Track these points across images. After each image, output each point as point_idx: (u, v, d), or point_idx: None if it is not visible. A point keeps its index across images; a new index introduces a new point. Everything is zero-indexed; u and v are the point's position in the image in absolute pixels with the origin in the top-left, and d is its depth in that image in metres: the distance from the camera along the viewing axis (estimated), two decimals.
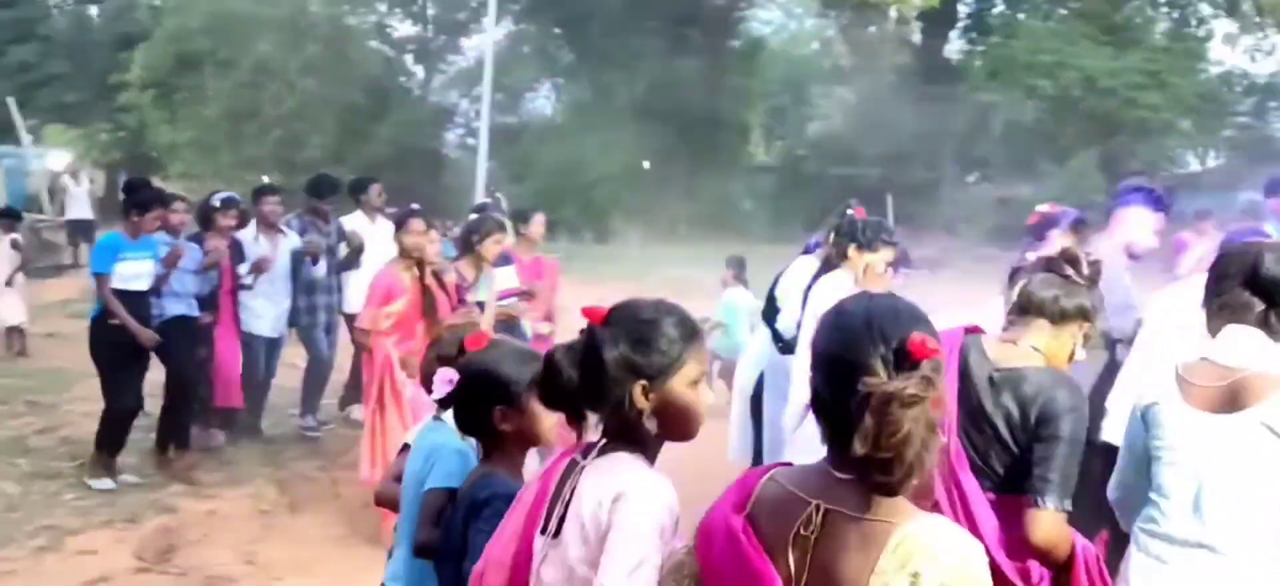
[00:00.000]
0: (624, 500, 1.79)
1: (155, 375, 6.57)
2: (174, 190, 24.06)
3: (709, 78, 26.85)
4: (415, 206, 6.28)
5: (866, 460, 1.48)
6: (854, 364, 1.53)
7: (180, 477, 6.40)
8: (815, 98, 32.83)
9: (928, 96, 24.73)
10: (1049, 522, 2.39)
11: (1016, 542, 2.44)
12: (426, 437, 2.74)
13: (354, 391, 7.64)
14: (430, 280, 5.79)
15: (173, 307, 6.51)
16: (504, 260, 6.75)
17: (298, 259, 7.42)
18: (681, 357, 1.86)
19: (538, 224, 7.27)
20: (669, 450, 1.94)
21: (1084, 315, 2.63)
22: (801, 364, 4.36)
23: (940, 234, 22.34)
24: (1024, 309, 2.65)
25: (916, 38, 29.24)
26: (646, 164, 25.78)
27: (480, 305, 6.24)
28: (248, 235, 7.29)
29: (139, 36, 26.68)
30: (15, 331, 10.30)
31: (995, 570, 2.14)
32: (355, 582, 4.96)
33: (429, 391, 2.60)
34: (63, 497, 6.06)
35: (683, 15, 26.96)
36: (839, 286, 4.36)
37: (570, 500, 1.88)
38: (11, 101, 18.22)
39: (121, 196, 6.80)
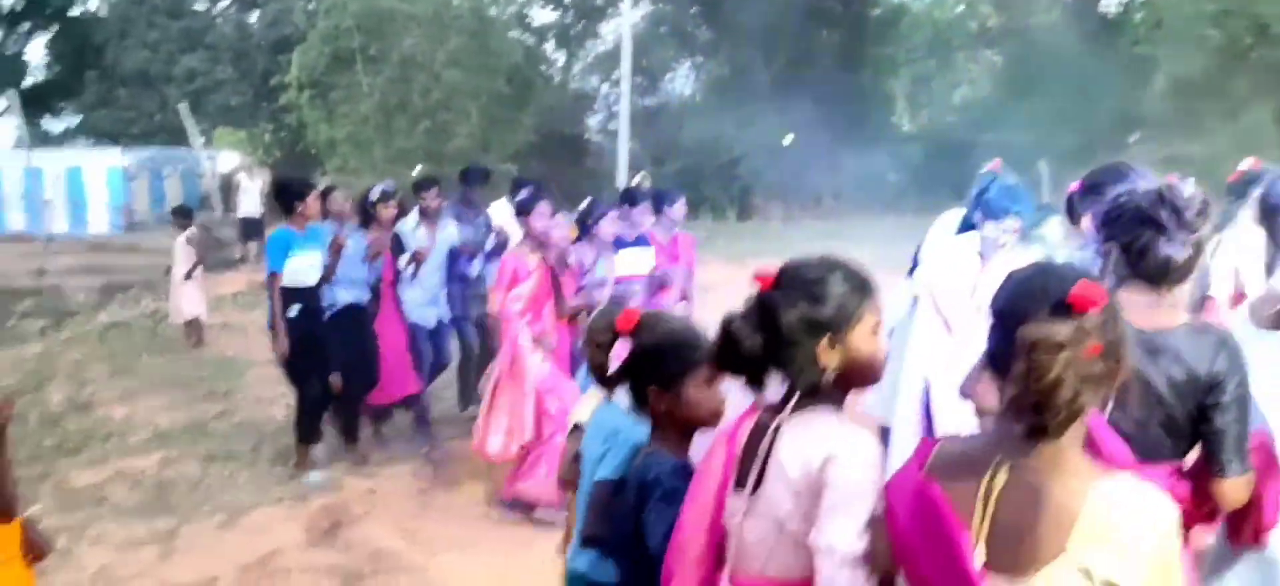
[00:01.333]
0: (836, 460, 1.84)
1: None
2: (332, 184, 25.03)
3: (849, 48, 26.34)
4: (535, 188, 6.43)
5: (1020, 403, 1.53)
6: (1020, 316, 1.58)
7: (353, 462, 6.65)
8: (961, 63, 31.77)
9: (1083, 54, 23.61)
10: (1241, 487, 2.36)
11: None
12: (604, 420, 2.74)
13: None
14: (555, 262, 5.96)
15: (344, 296, 6.65)
16: (641, 242, 6.79)
17: (454, 252, 7.54)
18: (859, 309, 1.90)
19: (679, 207, 7.27)
20: None
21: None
22: (924, 328, 4.26)
23: None
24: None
25: None
26: (788, 139, 25.50)
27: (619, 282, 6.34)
28: (407, 226, 7.37)
29: (295, 39, 27.91)
30: (194, 323, 10.97)
31: None
32: (507, 557, 5.14)
33: (606, 386, 2.63)
34: (239, 478, 6.44)
35: None
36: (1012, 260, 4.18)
37: (768, 457, 1.93)
38: (184, 107, 19.36)
39: (275, 196, 7.03)
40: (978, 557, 1.56)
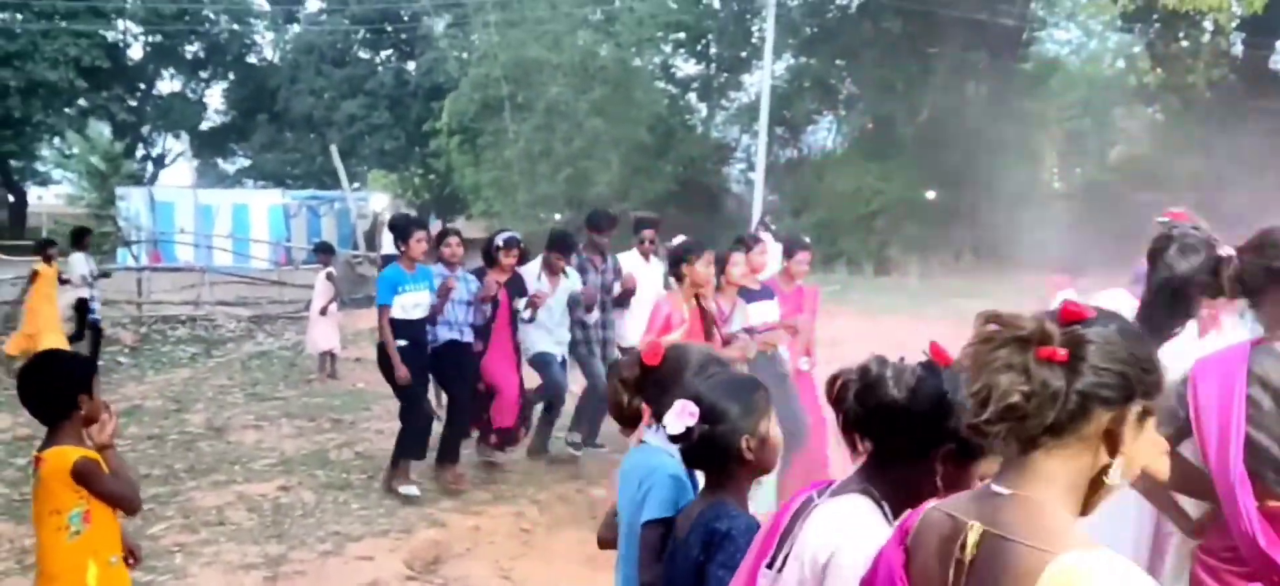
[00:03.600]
0: (838, 554, 1.78)
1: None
2: (475, 228, 25.86)
3: (996, 102, 25.64)
4: (690, 240, 6.39)
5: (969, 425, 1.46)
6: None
7: (449, 490, 6.82)
8: (1119, 119, 30.50)
9: (1250, 112, 22.34)
10: None
11: None
12: (637, 461, 2.65)
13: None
14: (710, 308, 5.95)
15: (444, 334, 6.97)
16: (766, 293, 6.69)
17: (573, 300, 7.60)
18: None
19: (802, 260, 7.10)
20: None
21: None
22: None
23: None
24: None
25: (1236, 49, 26.54)
26: (929, 194, 24.96)
27: (748, 332, 6.23)
28: (531, 271, 7.57)
29: (448, 87, 29.04)
30: (328, 356, 11.42)
31: None
32: None
33: (624, 422, 2.58)
34: (350, 507, 6.61)
35: (967, 41, 25.94)
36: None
37: (797, 537, 1.88)
38: (334, 150, 20.32)
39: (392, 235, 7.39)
40: None
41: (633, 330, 7.49)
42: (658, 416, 2.46)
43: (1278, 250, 2.51)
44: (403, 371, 6.63)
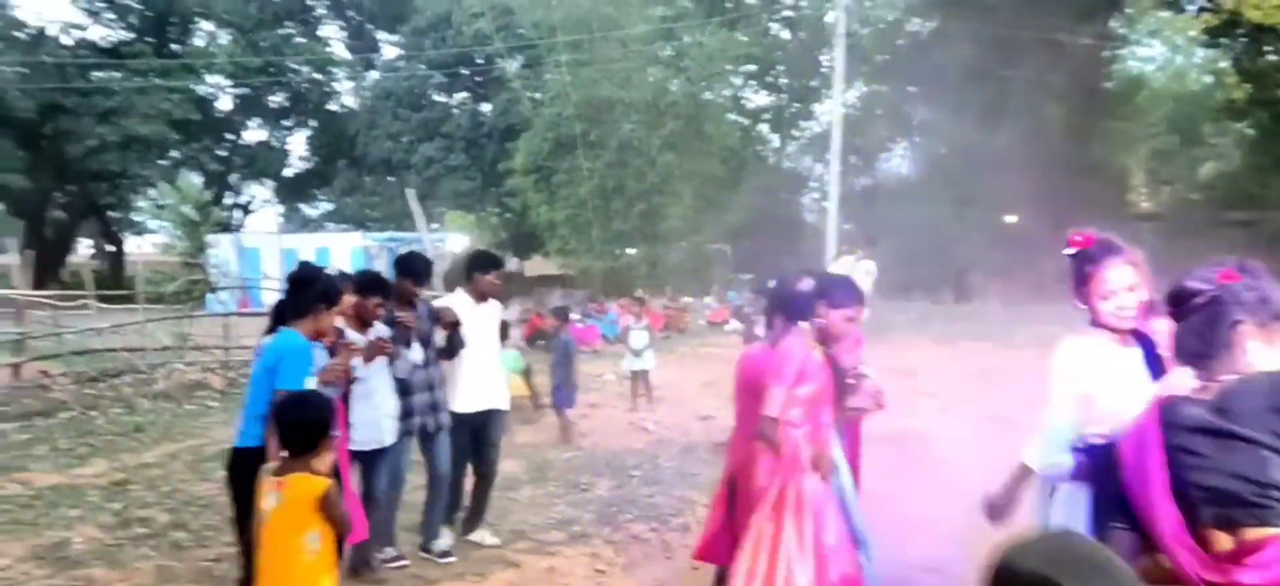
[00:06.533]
0: None
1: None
2: (551, 265, 26.01)
3: (1078, 124, 25.13)
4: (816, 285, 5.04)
5: None
6: None
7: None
8: (1208, 136, 29.68)
9: None
10: None
11: None
12: None
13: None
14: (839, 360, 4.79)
15: None
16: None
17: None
18: None
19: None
20: None
21: None
22: None
23: None
24: None
25: None
26: (1010, 219, 24.52)
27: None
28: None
29: (522, 127, 29.49)
30: None
31: None
32: None
33: None
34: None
35: (1046, 62, 25.50)
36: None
37: None
38: (411, 193, 20.75)
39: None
40: None
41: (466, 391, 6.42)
42: None
43: None
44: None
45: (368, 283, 5.85)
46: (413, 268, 6.22)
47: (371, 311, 5.76)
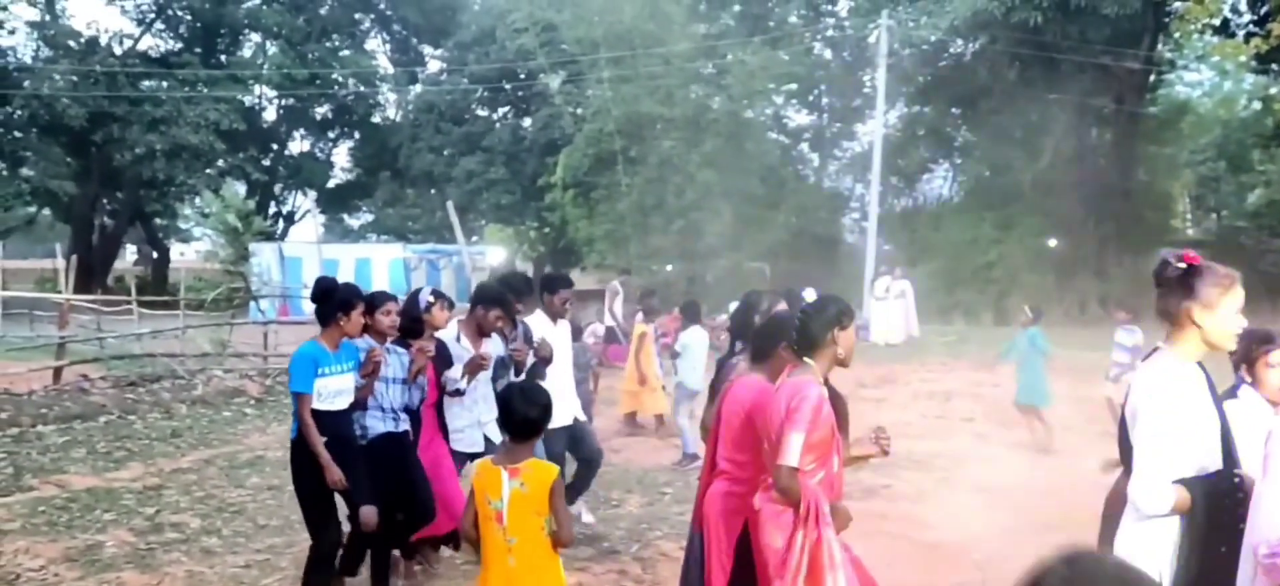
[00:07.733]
0: None
1: None
2: (588, 279, 25.99)
3: (1122, 148, 24.79)
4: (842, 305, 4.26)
5: None
6: None
7: None
8: (1257, 163, 29.15)
9: None
10: None
11: None
12: None
13: None
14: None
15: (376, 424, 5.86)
16: None
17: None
18: None
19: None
20: None
21: None
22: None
23: None
24: None
25: None
26: (1052, 242, 24.22)
27: None
28: (450, 335, 6.27)
29: (562, 142, 29.59)
30: None
31: None
32: None
33: None
34: (455, 561, 6.68)
35: (1090, 85, 25.18)
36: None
37: None
38: (450, 206, 20.88)
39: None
40: None
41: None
42: None
43: None
44: (335, 474, 5.08)
45: (490, 297, 6.24)
46: (515, 286, 6.81)
47: (490, 323, 6.14)
